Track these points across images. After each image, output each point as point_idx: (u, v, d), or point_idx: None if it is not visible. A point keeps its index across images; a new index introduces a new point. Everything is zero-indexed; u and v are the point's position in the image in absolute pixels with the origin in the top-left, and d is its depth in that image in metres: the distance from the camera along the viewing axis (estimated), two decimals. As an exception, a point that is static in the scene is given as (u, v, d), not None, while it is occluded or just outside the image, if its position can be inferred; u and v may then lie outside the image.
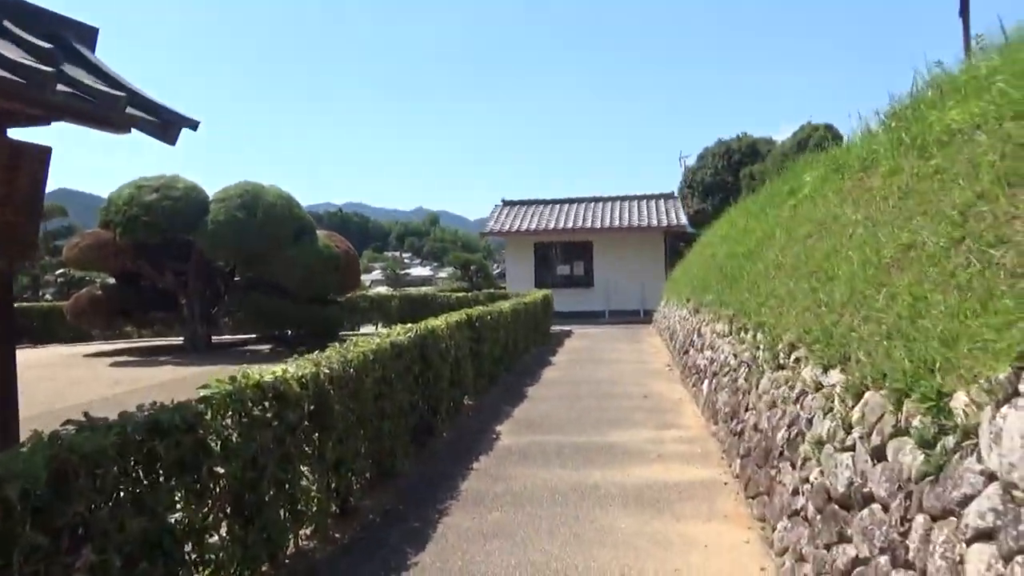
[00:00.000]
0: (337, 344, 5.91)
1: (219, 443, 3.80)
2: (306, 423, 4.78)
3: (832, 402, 4.19)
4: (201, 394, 3.93)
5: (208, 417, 3.70)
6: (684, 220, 27.12)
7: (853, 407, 3.81)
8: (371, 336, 6.88)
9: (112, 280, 18.96)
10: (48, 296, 31.19)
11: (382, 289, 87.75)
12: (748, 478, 5.64)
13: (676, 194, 30.84)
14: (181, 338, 18.71)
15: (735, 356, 7.72)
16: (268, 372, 4.45)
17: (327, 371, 4.98)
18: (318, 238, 17.84)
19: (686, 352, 11.82)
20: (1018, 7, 5.94)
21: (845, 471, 3.64)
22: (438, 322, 8.39)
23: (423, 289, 49.90)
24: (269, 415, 4.24)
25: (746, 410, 6.47)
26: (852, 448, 3.66)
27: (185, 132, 4.03)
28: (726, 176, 67.48)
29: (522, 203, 29.49)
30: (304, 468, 4.76)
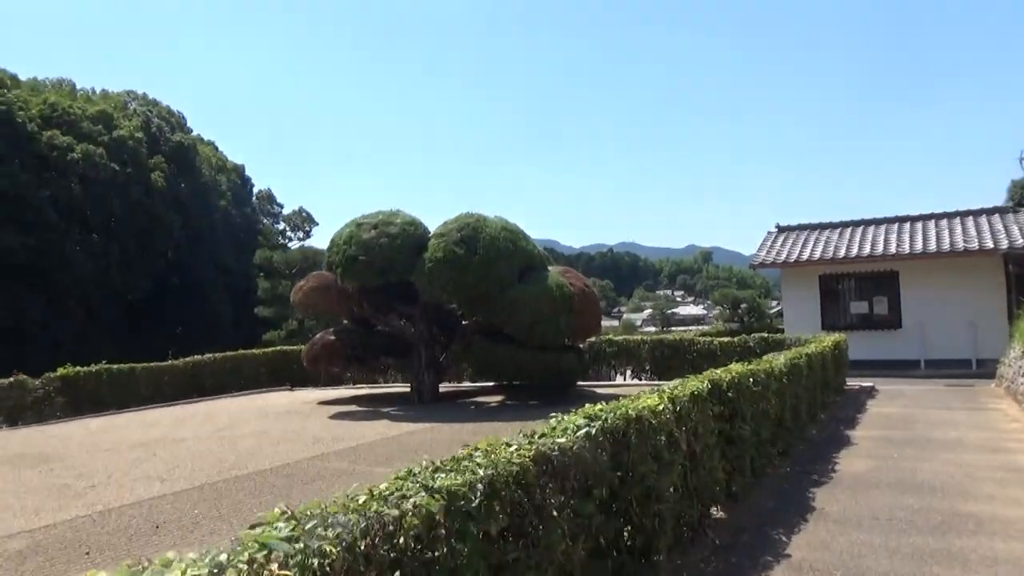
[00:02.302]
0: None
1: None
2: None
3: None
4: None
5: None
6: (1032, 240, 20.41)
7: None
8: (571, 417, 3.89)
9: (348, 324, 18.24)
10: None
11: (650, 328, 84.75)
12: None
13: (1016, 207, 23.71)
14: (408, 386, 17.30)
15: None
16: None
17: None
18: (548, 275, 15.34)
19: (1098, 445, 7.10)
20: None
21: None
22: (652, 400, 5.11)
23: (689, 331, 45.80)
24: None
25: None
26: None
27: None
28: (1074, 186, 53.89)
29: (801, 228, 24.64)
30: None
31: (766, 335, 18.54)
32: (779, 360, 9.63)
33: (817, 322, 21.76)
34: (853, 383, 16.44)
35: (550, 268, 16.37)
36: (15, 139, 47.35)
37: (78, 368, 18.12)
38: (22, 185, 46.17)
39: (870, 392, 15.63)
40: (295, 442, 11.76)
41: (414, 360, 16.60)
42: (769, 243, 24.26)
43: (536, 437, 3.87)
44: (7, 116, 47.44)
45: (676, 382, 6.08)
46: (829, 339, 14.55)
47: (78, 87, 65.78)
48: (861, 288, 22.23)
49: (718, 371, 7.24)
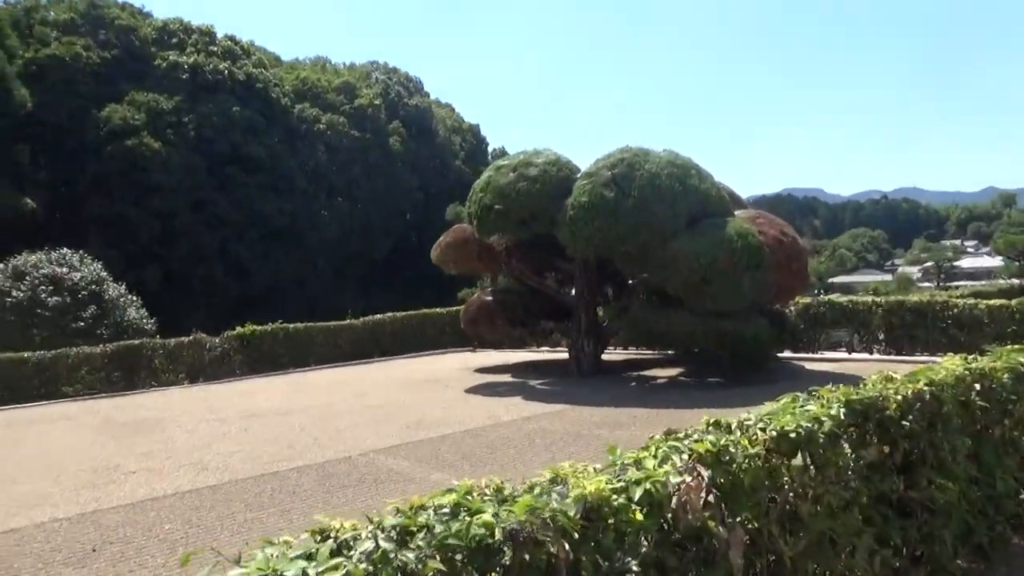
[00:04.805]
0: None
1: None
2: None
3: None
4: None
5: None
6: None
7: None
8: None
9: (511, 284, 16.28)
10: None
11: (925, 284, 72.61)
12: None
13: None
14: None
15: None
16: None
17: None
18: (729, 222, 11.97)
19: None
20: None
21: None
22: (663, 472, 2.28)
23: (963, 286, 38.11)
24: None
25: None
26: None
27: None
28: None
29: None
30: None
31: (1060, 298, 13.35)
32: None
33: None
34: None
35: (736, 213, 12.93)
36: (271, 113, 51.91)
37: (254, 327, 18.26)
38: (277, 156, 50.58)
39: None
40: (392, 423, 10.09)
41: (573, 325, 14.20)
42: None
43: None
44: (264, 93, 52.08)
45: (735, 421, 3.06)
46: None
47: (333, 62, 70.99)
48: None
49: (894, 377, 4.00)
